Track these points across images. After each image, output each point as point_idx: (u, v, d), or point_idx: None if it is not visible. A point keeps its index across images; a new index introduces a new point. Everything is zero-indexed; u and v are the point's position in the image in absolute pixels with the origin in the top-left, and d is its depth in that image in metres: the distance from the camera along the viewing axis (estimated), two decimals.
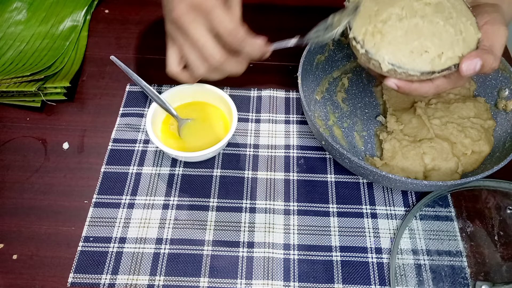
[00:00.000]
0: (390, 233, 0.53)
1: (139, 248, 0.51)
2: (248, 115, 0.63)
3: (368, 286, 0.49)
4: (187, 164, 0.58)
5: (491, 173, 0.48)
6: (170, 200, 0.54)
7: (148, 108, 0.59)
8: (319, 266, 0.50)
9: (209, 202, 0.54)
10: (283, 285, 0.49)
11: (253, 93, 0.65)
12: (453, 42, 0.40)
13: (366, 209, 0.55)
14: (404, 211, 0.55)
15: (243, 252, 0.51)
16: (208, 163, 0.58)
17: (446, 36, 0.40)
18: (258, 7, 0.76)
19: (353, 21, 0.42)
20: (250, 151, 0.59)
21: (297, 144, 0.60)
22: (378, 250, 0.51)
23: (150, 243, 0.51)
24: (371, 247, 0.52)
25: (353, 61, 0.66)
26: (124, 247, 0.51)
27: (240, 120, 0.61)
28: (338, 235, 0.52)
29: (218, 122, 0.58)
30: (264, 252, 0.51)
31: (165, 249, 0.51)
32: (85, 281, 0.48)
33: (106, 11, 0.75)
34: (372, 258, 0.51)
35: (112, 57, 0.53)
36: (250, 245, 0.51)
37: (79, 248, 0.50)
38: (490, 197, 0.55)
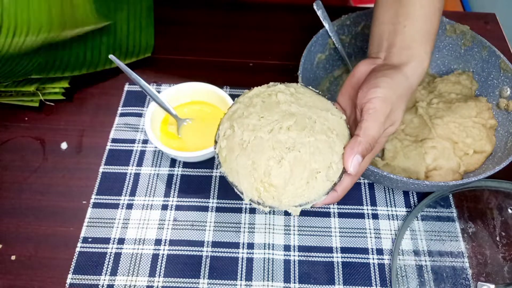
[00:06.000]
0: (391, 234, 0.52)
1: (137, 249, 0.50)
2: None
3: (369, 287, 0.49)
4: (186, 164, 0.57)
5: (493, 173, 0.47)
6: (169, 201, 0.54)
7: (147, 107, 0.59)
8: (320, 267, 0.50)
9: (209, 202, 0.54)
10: (283, 287, 0.48)
11: None
12: (331, 144, 0.39)
13: (367, 209, 0.54)
14: (406, 211, 0.54)
15: (243, 253, 0.51)
16: (208, 163, 0.57)
17: (323, 145, 0.38)
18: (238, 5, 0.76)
19: (239, 186, 0.39)
20: None
21: None
22: (379, 251, 0.51)
23: (149, 244, 0.51)
24: (372, 248, 0.51)
25: (354, 60, 0.65)
26: (122, 248, 0.50)
27: None
28: (339, 236, 0.52)
29: (218, 122, 0.58)
30: (264, 253, 0.50)
31: (164, 250, 0.50)
32: (84, 282, 0.48)
33: None
34: (373, 259, 0.50)
35: (111, 56, 0.53)
36: (250, 246, 0.51)
37: (78, 249, 0.50)
38: (492, 197, 0.55)
